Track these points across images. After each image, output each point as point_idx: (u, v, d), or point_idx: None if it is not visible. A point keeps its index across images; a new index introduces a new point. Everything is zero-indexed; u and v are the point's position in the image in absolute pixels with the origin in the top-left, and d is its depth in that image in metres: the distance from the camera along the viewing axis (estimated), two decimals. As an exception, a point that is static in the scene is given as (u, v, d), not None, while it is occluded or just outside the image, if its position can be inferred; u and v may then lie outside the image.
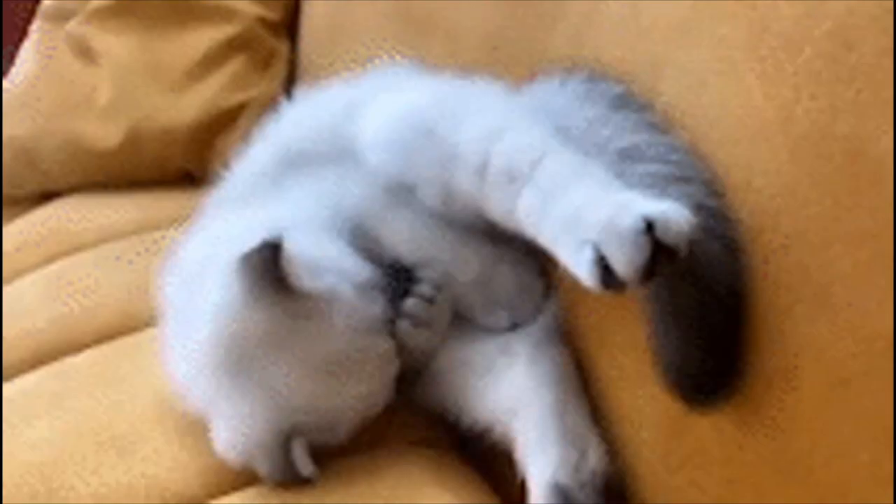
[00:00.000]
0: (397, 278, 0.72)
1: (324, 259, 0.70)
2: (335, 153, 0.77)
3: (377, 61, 0.90)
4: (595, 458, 0.65)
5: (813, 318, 0.50)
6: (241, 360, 0.68)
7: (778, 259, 0.52)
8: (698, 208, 0.53)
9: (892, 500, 0.47)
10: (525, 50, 0.82)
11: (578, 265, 0.55)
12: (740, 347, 0.54)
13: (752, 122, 0.53)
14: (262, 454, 0.69)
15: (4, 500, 0.72)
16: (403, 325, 0.70)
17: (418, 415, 0.76)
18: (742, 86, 0.54)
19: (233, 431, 0.69)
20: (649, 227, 0.51)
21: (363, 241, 0.73)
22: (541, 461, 0.66)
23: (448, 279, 0.72)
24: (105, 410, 0.82)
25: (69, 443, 0.78)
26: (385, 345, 0.70)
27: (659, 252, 0.51)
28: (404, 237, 0.73)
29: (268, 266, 0.66)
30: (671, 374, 0.56)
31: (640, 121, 0.61)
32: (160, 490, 0.73)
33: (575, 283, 0.57)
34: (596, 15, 0.71)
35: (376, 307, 0.70)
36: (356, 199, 0.75)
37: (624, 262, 0.52)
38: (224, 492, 0.72)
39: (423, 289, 0.71)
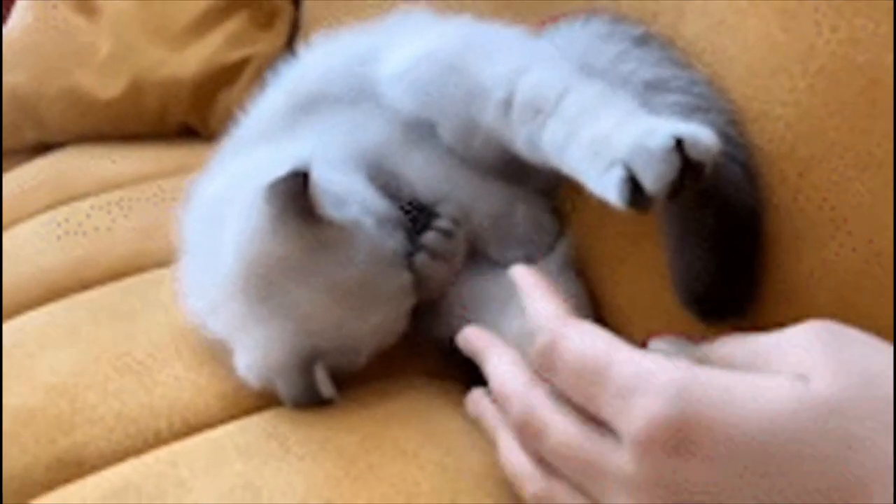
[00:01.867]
0: (416, 213, 0.72)
1: (347, 191, 0.70)
2: (354, 94, 0.76)
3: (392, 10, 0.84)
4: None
5: (825, 240, 0.52)
6: (265, 285, 0.67)
7: (793, 185, 0.53)
8: (719, 135, 0.53)
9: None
10: (540, 4, 0.79)
11: (606, 186, 0.55)
12: (757, 266, 0.55)
13: (771, 56, 0.54)
14: (284, 377, 0.68)
15: (32, 419, 0.72)
16: (421, 258, 0.70)
17: (431, 346, 0.76)
18: (761, 22, 0.55)
19: (256, 355, 0.68)
20: (678, 144, 0.51)
21: (381, 177, 0.73)
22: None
23: (464, 215, 0.72)
24: (121, 340, 0.80)
25: (88, 368, 0.77)
26: (403, 277, 0.70)
27: (686, 169, 0.51)
28: (422, 174, 0.73)
29: (295, 194, 0.65)
30: (690, 291, 0.57)
31: (662, 56, 0.61)
32: (181, 410, 0.72)
33: (589, 218, 0.57)
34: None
35: (396, 240, 0.70)
36: (375, 138, 0.74)
37: (654, 179, 0.52)
38: (244, 413, 0.71)
39: (442, 223, 0.71)
